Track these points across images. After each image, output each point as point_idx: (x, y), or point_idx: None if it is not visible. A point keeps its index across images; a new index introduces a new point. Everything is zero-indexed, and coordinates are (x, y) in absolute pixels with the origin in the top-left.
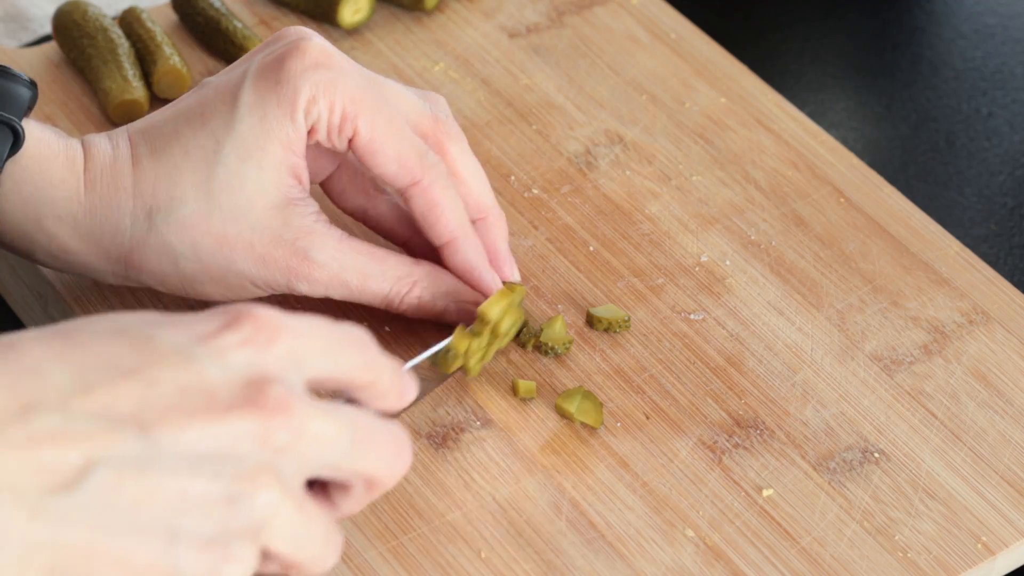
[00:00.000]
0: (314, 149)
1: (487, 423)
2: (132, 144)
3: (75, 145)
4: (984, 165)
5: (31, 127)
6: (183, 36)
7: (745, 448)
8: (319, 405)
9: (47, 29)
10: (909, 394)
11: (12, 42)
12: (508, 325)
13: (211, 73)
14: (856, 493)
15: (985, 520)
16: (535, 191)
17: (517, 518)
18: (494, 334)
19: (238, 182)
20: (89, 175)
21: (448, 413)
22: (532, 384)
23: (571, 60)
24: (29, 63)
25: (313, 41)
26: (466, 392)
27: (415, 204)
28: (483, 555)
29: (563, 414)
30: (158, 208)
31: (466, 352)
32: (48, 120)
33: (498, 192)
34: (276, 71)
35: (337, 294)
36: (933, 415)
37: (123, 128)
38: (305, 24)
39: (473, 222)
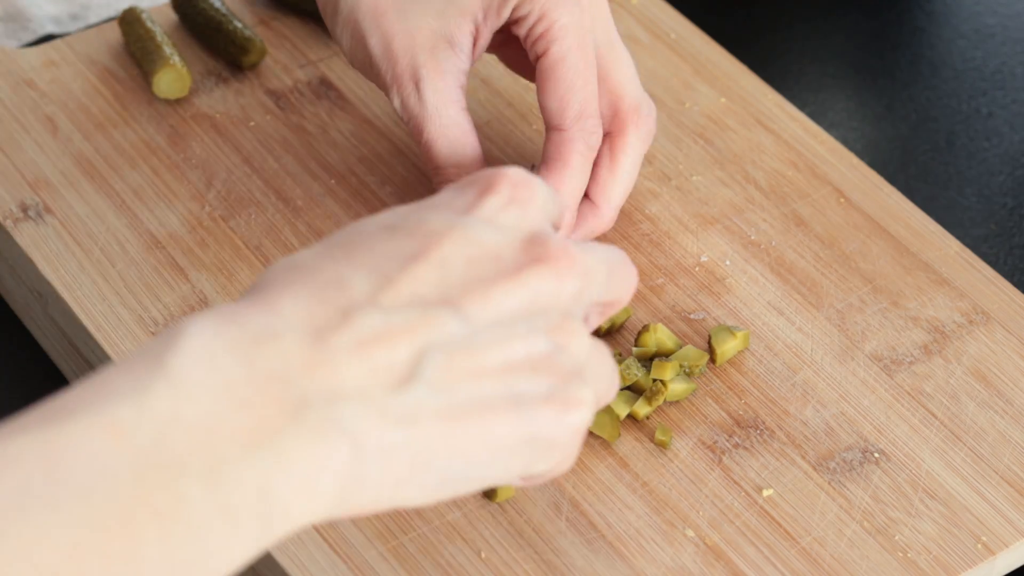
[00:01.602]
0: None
1: None
2: None
3: None
4: (984, 165)
5: None
6: (183, 36)
7: (745, 448)
8: (580, 245)
9: (47, 29)
10: (909, 394)
11: (12, 42)
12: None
13: (211, 73)
14: (856, 493)
15: (985, 520)
16: None
17: (517, 518)
18: None
19: None
20: None
21: None
22: None
23: None
24: (29, 63)
25: None
26: None
27: (546, 148)
28: (483, 555)
29: None
30: None
31: None
32: (48, 121)
33: None
34: None
35: (411, 130)
36: (933, 415)
37: None
38: (306, 25)
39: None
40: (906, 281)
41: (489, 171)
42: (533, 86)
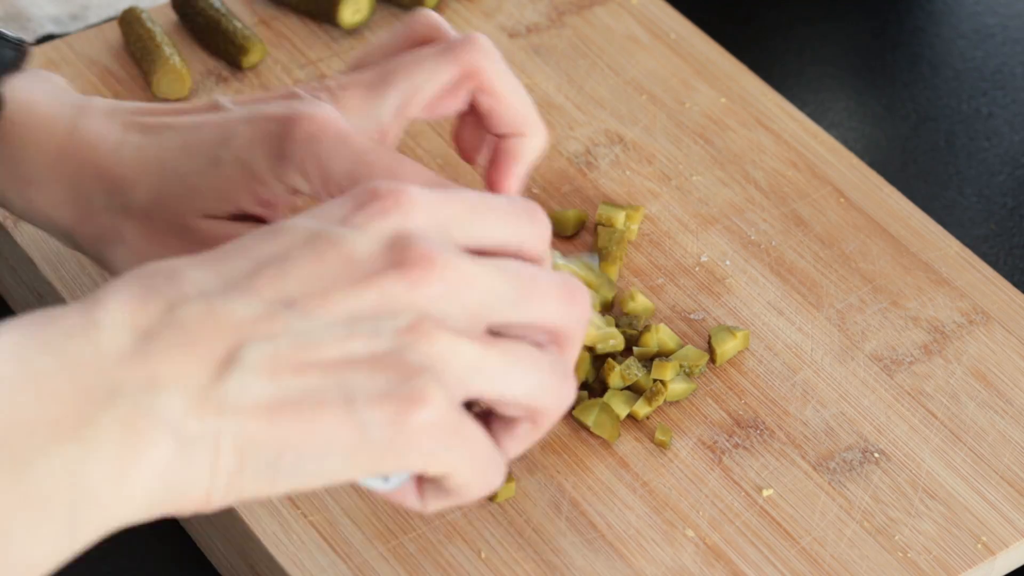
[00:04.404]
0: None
1: None
2: (124, 131)
3: (63, 112)
4: (984, 165)
5: (22, 85)
6: (183, 36)
7: (745, 448)
8: (472, 256)
9: (47, 29)
10: (909, 394)
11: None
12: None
13: (211, 73)
14: (856, 493)
15: (985, 520)
16: (535, 191)
17: (517, 518)
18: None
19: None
20: (70, 145)
21: None
22: None
23: (571, 60)
24: (29, 63)
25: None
26: None
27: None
28: (483, 555)
29: (580, 425)
30: (116, 191)
31: None
32: None
33: None
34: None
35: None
36: (933, 415)
37: (128, 106)
38: (306, 25)
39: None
40: (906, 281)
41: (371, 185)
42: (533, 86)
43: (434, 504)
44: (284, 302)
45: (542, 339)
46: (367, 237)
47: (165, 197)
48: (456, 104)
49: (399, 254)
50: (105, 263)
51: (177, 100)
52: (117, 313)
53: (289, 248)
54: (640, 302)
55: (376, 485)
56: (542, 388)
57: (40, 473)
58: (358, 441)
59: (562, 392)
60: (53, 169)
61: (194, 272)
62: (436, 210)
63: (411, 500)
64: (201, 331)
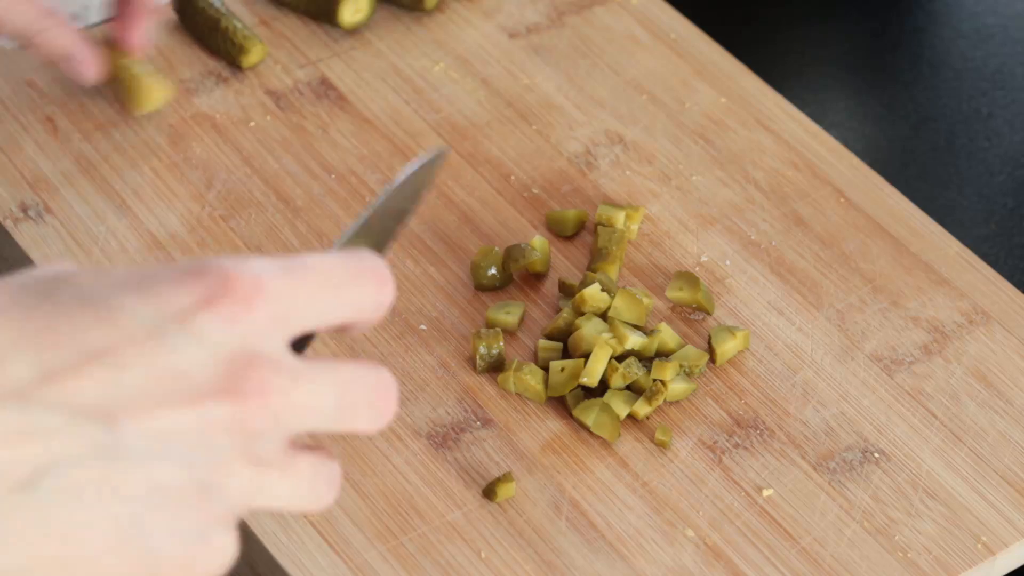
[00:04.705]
0: None
1: (487, 423)
2: None
3: None
4: (984, 165)
5: None
6: (183, 36)
7: (745, 448)
8: (302, 372)
9: None
10: (909, 394)
11: (12, 42)
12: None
13: (211, 73)
14: (856, 493)
15: (985, 520)
16: (535, 191)
17: (517, 518)
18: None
19: None
20: None
21: (448, 413)
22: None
23: (571, 60)
24: (29, 63)
25: None
26: (466, 392)
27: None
28: (483, 555)
29: (580, 425)
30: None
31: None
32: (48, 121)
33: (498, 192)
34: None
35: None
36: (933, 415)
37: None
38: (306, 25)
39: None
40: (906, 281)
41: (215, 267)
42: (533, 86)
43: None
44: (103, 415)
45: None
46: (205, 350)
47: None
48: None
49: (234, 379)
50: None
51: (177, 100)
52: None
53: (122, 344)
54: (665, 332)
55: None
56: (311, 498)
57: None
58: None
59: (325, 497)
60: None
61: (17, 359)
62: (284, 302)
63: None
64: (7, 441)
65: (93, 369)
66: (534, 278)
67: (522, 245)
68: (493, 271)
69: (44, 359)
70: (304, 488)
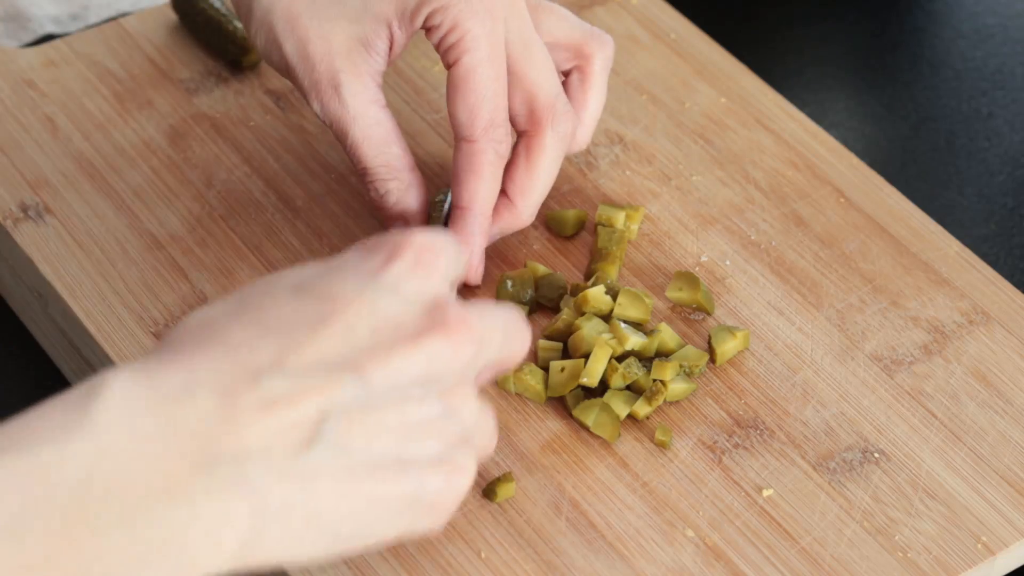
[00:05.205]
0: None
1: None
2: None
3: None
4: (984, 165)
5: None
6: (183, 36)
7: (745, 448)
8: (479, 311)
9: (47, 29)
10: (909, 394)
11: (12, 42)
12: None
13: (211, 73)
14: (856, 493)
15: (985, 520)
16: None
17: (517, 518)
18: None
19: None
20: None
21: None
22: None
23: None
24: (29, 63)
25: None
26: None
27: (456, 158)
28: (483, 555)
29: (580, 425)
30: None
31: None
32: (48, 121)
33: None
34: None
35: (334, 133)
36: (933, 415)
37: None
38: None
39: (525, 135)
40: (906, 281)
41: (396, 236)
42: None
43: None
44: (352, 367)
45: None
46: (405, 299)
47: None
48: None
49: (439, 317)
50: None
51: (176, 100)
52: (207, 379)
53: (340, 311)
54: (665, 332)
55: None
56: (491, 442)
57: (148, 532)
58: (409, 505)
59: (491, 446)
60: None
61: (265, 343)
62: (448, 258)
63: None
64: (284, 401)
65: (326, 335)
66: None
67: (554, 274)
68: (530, 294)
69: (282, 337)
70: (492, 426)
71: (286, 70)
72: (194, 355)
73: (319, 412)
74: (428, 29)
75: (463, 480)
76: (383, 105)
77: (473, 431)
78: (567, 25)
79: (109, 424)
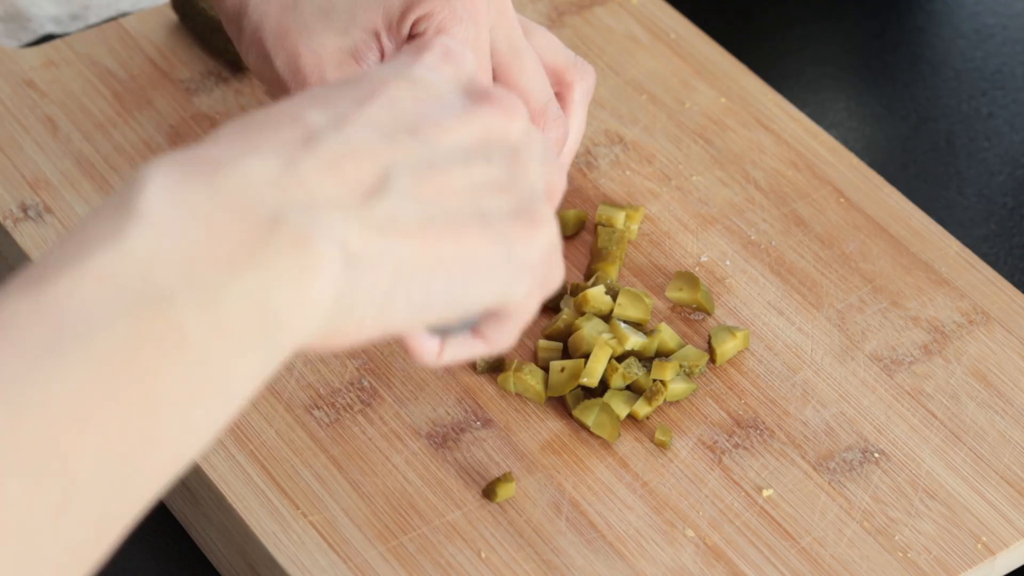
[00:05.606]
0: None
1: (487, 423)
2: None
3: None
4: (984, 165)
5: None
6: (183, 36)
7: (745, 448)
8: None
9: (47, 29)
10: (909, 394)
11: (12, 42)
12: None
13: (211, 73)
14: (856, 493)
15: (985, 520)
16: None
17: (517, 518)
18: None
19: (330, 8)
20: None
21: (448, 413)
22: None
23: None
24: (29, 63)
25: None
26: (466, 392)
27: None
28: (483, 555)
29: (580, 425)
30: None
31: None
32: (48, 121)
33: None
34: None
35: None
36: (933, 415)
37: None
38: None
39: None
40: (906, 281)
41: (423, 41)
42: None
43: (491, 338)
44: (407, 130)
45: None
46: (443, 80)
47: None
48: None
49: (482, 96)
50: (237, 34)
51: (176, 100)
52: (258, 147)
53: (384, 88)
54: (665, 332)
55: (431, 346)
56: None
57: (227, 304)
58: (501, 260)
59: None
60: None
61: (312, 113)
62: (473, 62)
63: (473, 349)
64: (345, 157)
65: (374, 106)
66: None
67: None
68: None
69: (334, 109)
70: (561, 185)
71: (277, 84)
72: (237, 132)
73: (383, 166)
74: (413, 36)
75: (547, 232)
76: None
77: (540, 189)
78: (551, 49)
79: (155, 210)
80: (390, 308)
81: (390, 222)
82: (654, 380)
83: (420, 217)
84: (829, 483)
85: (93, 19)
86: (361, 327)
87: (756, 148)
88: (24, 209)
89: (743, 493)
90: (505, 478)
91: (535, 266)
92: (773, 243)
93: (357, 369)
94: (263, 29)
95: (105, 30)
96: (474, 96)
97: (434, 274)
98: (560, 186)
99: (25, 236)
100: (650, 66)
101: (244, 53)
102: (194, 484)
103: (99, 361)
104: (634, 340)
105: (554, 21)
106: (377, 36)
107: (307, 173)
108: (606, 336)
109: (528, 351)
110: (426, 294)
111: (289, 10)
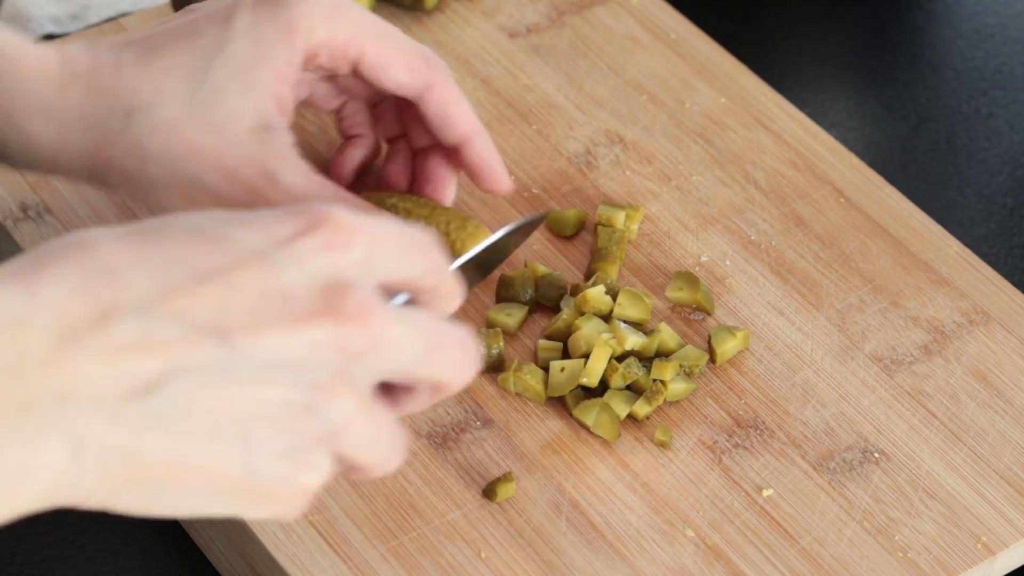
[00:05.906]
0: (316, 80)
1: (487, 423)
2: (116, 51)
3: (48, 48)
4: (984, 165)
5: None
6: None
7: (745, 448)
8: (394, 310)
9: (47, 29)
10: (909, 394)
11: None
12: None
13: None
14: (856, 493)
15: (985, 520)
16: (535, 191)
17: (517, 518)
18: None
19: (221, 99)
20: (66, 72)
21: (448, 413)
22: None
23: (571, 60)
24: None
25: None
26: (466, 392)
27: (430, 107)
28: (483, 555)
29: (580, 425)
30: (137, 108)
31: None
32: None
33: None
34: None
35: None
36: (933, 415)
37: (104, 40)
38: None
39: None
40: (906, 281)
41: (317, 207)
42: (533, 86)
43: None
44: (219, 331)
45: (425, 385)
46: (307, 274)
47: (195, 105)
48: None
49: (335, 301)
50: (129, 189)
51: None
52: (49, 308)
53: (231, 267)
54: (665, 332)
55: None
56: (383, 455)
57: None
58: (242, 489)
59: (392, 460)
60: (57, 98)
61: (134, 276)
62: (372, 246)
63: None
64: (132, 348)
65: (206, 289)
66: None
67: (554, 274)
68: (530, 294)
69: (160, 278)
70: (384, 442)
71: (218, 202)
72: (44, 275)
73: (167, 370)
74: (313, 55)
75: (310, 478)
76: (310, 167)
77: (342, 432)
78: (405, 60)
79: None
80: (114, 498)
81: (144, 427)
82: (654, 380)
83: (178, 428)
84: (829, 483)
85: (93, 19)
86: (86, 503)
87: (756, 148)
88: (24, 209)
89: (743, 493)
90: (505, 478)
91: (284, 500)
92: (773, 243)
93: None
94: (169, 163)
95: (105, 30)
96: (325, 303)
97: (167, 482)
98: (384, 440)
99: (25, 236)
100: (650, 66)
101: (163, 203)
102: None
103: None
104: (634, 340)
105: (554, 21)
106: (276, 97)
107: (82, 357)
108: (606, 336)
109: (528, 351)
110: (152, 499)
111: (185, 131)
